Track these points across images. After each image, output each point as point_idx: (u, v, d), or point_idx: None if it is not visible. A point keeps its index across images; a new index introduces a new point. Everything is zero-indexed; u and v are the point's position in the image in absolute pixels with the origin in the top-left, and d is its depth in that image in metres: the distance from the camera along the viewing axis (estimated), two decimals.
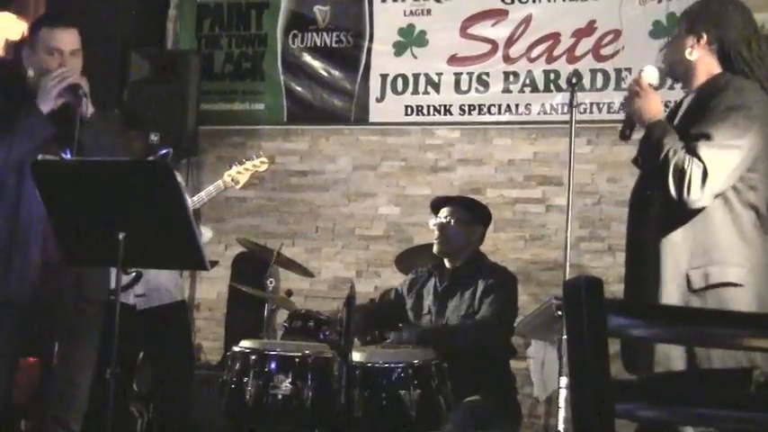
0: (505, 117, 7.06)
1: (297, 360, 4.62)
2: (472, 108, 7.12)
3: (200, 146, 7.57)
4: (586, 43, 6.84)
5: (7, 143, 3.80)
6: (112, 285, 4.85)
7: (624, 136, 3.41)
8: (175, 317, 5.23)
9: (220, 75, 7.72)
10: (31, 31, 4.08)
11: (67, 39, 3.94)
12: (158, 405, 5.40)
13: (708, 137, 3.17)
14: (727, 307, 3.10)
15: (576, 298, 1.77)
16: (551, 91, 6.92)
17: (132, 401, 5.71)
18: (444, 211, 5.08)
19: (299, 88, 7.52)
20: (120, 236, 3.52)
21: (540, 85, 6.98)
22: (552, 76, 6.94)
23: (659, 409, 1.84)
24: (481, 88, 7.10)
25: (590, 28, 6.83)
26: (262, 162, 5.25)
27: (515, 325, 5.03)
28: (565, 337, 3.18)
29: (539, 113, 6.93)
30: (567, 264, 3.39)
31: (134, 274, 4.82)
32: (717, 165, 3.15)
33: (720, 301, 3.14)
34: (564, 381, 3.28)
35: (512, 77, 7.04)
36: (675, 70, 3.46)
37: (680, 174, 3.14)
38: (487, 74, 7.09)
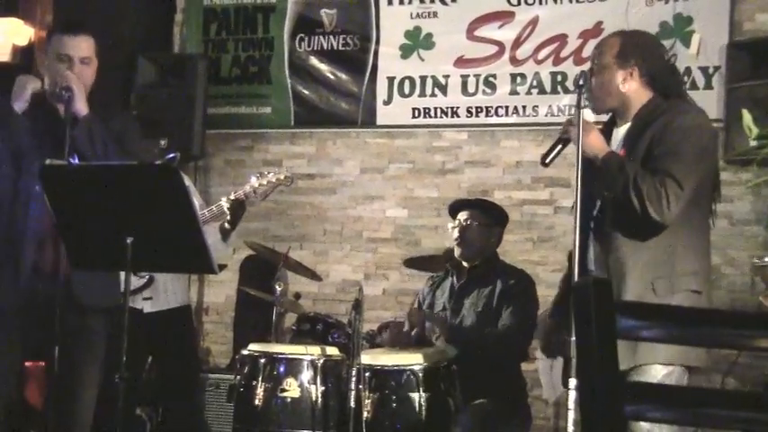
0: (513, 119, 7.05)
1: (306, 363, 4.63)
2: (479, 110, 7.11)
3: (207, 150, 7.58)
4: (593, 44, 6.78)
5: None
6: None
7: (544, 163, 3.63)
8: (181, 320, 5.24)
9: (227, 78, 7.73)
10: (47, 38, 4.10)
11: (78, 46, 3.93)
12: (166, 409, 5.40)
13: (674, 153, 3.44)
14: None
15: (585, 299, 1.76)
16: (558, 93, 6.91)
17: (141, 405, 5.72)
18: (464, 215, 5.12)
19: (305, 91, 7.52)
20: (128, 240, 3.52)
21: (548, 87, 6.97)
22: (559, 77, 6.92)
23: (669, 411, 1.84)
24: (488, 90, 7.09)
25: (597, 29, 6.82)
26: (286, 177, 5.15)
27: None
28: (573, 338, 3.17)
29: (546, 115, 6.92)
30: (576, 265, 3.38)
31: (146, 278, 4.82)
32: (688, 179, 3.42)
33: (685, 304, 3.39)
34: (573, 382, 3.27)
35: (519, 79, 7.03)
36: (607, 103, 3.70)
37: (656, 194, 3.39)
38: (494, 76, 7.08)
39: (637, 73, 3.64)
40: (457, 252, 5.11)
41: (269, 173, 5.08)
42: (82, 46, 3.94)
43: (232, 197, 4.88)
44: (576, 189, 3.42)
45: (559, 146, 3.64)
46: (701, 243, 3.59)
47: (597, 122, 3.78)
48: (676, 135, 3.48)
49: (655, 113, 3.59)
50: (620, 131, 3.70)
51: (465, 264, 5.14)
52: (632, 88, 3.64)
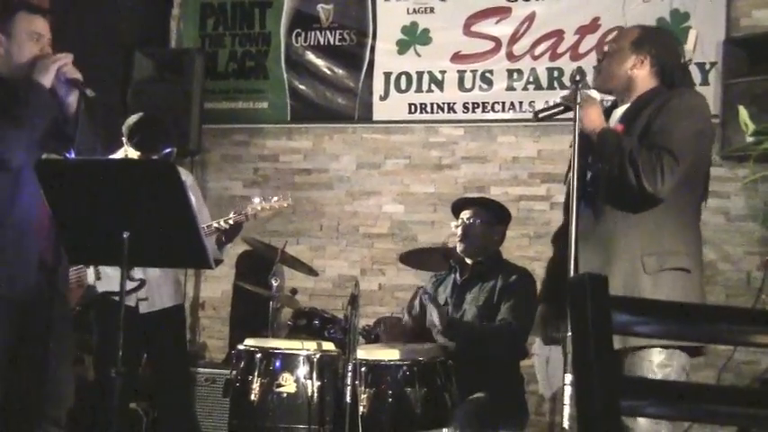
0: (509, 115, 7.05)
1: (302, 358, 4.63)
2: (476, 106, 7.11)
3: (203, 145, 7.57)
4: (590, 40, 6.83)
5: (27, 122, 3.76)
6: (90, 279, 4.90)
7: (537, 116, 3.75)
8: (175, 319, 5.24)
9: (224, 73, 7.72)
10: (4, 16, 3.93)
11: (45, 26, 3.91)
12: (161, 405, 5.41)
13: (670, 130, 3.50)
14: (679, 290, 3.44)
15: (581, 294, 1.77)
16: (555, 88, 6.91)
17: (137, 400, 5.72)
18: (467, 213, 5.15)
19: (302, 87, 7.52)
20: (125, 235, 3.52)
21: (544, 83, 6.97)
22: (556, 73, 6.93)
23: (666, 406, 1.84)
24: (485, 86, 7.09)
25: (594, 25, 6.82)
26: (288, 206, 5.20)
27: None
28: (569, 333, 3.17)
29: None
30: (572, 261, 3.38)
31: (138, 282, 4.83)
32: (683, 153, 3.47)
33: (673, 282, 3.46)
34: (569, 378, 3.27)
35: (515, 75, 7.03)
36: (613, 83, 3.77)
37: (651, 166, 3.44)
38: (491, 71, 7.08)
39: (648, 62, 3.69)
40: (459, 249, 5.14)
41: (273, 198, 5.11)
42: (47, 27, 3.92)
43: (231, 221, 4.92)
44: (573, 185, 3.41)
45: (559, 108, 3.67)
46: (691, 225, 3.62)
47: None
48: (675, 113, 3.54)
49: (655, 96, 3.65)
50: (619, 111, 3.75)
51: (468, 260, 5.16)
52: (640, 74, 3.69)
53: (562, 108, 3.65)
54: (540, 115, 3.72)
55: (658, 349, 3.45)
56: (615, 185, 3.54)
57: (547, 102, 6.78)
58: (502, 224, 5.26)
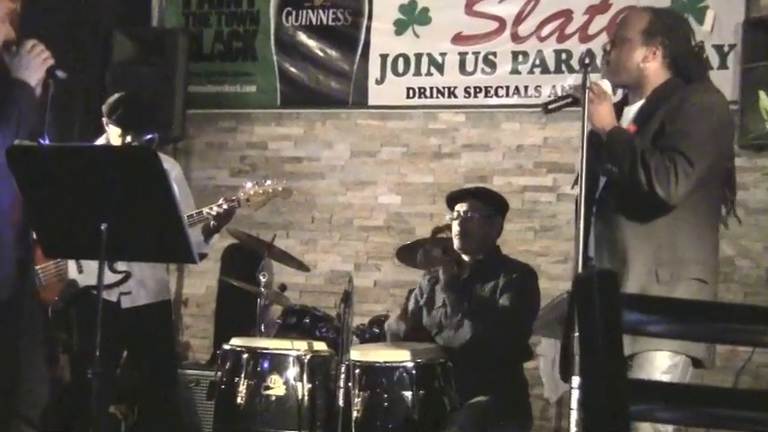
0: (514, 100, 7.04)
1: (291, 359, 4.64)
2: (478, 90, 7.11)
3: (187, 131, 7.57)
4: (600, 21, 6.82)
5: (14, 122, 3.74)
6: (72, 273, 4.89)
7: (546, 109, 3.71)
8: (160, 316, 5.23)
9: (209, 55, 7.71)
10: None
11: (12, 5, 3.88)
12: (143, 407, 5.41)
13: (686, 132, 3.50)
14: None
15: (589, 292, 1.76)
16: (563, 72, 6.91)
17: (116, 403, 5.72)
18: (463, 206, 5.11)
19: (293, 69, 7.51)
20: (103, 227, 3.51)
21: (551, 66, 6.96)
22: (564, 56, 6.92)
23: (679, 411, 1.84)
24: (488, 69, 7.09)
25: (604, 5, 6.82)
26: (285, 189, 5.12)
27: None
28: (577, 334, 3.18)
29: (549, 96, 6.91)
30: (580, 256, 3.38)
31: (123, 274, 4.82)
32: (699, 157, 3.47)
33: (688, 293, 3.45)
34: (576, 381, 3.28)
35: (520, 57, 7.02)
36: (623, 78, 3.76)
37: (665, 170, 3.44)
38: (494, 54, 7.07)
39: (660, 53, 3.68)
40: (457, 245, 5.11)
41: (266, 181, 5.06)
42: (15, 4, 3.89)
43: (224, 206, 4.86)
44: (581, 171, 3.41)
45: (567, 100, 3.65)
46: (708, 233, 3.62)
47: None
48: (690, 114, 3.53)
49: (670, 93, 3.63)
50: (632, 109, 3.74)
51: (466, 258, 5.13)
52: (652, 68, 3.69)
53: (570, 100, 3.63)
54: (550, 107, 3.70)
55: (667, 353, 3.46)
56: (626, 192, 3.54)
57: (554, 90, 6.78)
58: (500, 215, 5.23)
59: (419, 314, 5.18)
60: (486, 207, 5.15)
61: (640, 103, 3.72)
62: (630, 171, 3.48)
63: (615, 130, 3.56)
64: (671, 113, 3.56)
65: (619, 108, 3.76)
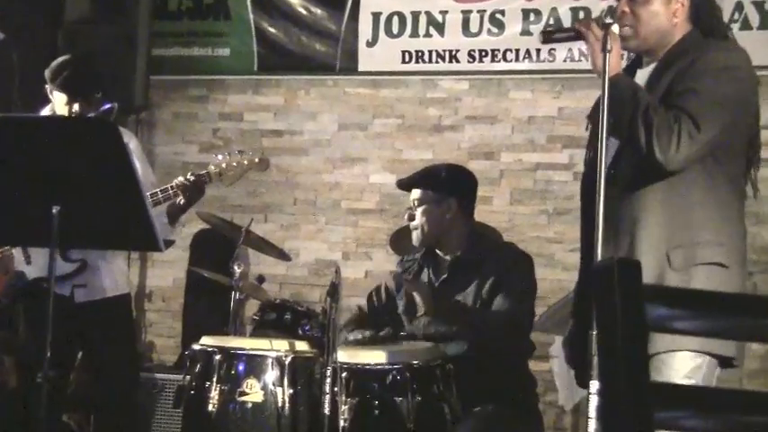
0: (524, 65, 7.05)
1: (270, 361, 4.64)
2: (484, 54, 7.11)
3: (151, 100, 7.56)
4: None
5: None
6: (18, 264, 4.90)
7: (546, 37, 3.74)
8: (119, 311, 5.24)
9: (176, 13, 7.71)
10: None
11: None
12: (99, 414, 5.42)
13: (696, 92, 3.48)
14: (715, 289, 3.36)
15: (609, 284, 1.77)
16: None
17: (69, 411, 5.74)
18: (415, 195, 5.04)
19: (272, 30, 7.51)
20: (54, 210, 3.52)
21: (567, 25, 6.95)
22: (582, 14, 6.92)
23: (710, 418, 1.85)
24: (495, 30, 7.09)
25: None
26: (261, 161, 5.10)
27: (535, 319, 5.05)
28: (595, 332, 3.19)
29: (565, 61, 6.93)
30: (599, 243, 3.39)
31: (77, 264, 4.82)
32: (708, 120, 3.45)
33: (706, 280, 3.45)
34: (595, 385, 3.29)
35: (532, 16, 7.03)
36: (649, 41, 3.70)
37: (668, 129, 3.42)
38: (502, 12, 7.08)
39: (686, 7, 3.66)
40: (415, 241, 5.06)
41: (239, 152, 5.05)
42: None
43: (191, 178, 4.84)
44: (601, 151, 3.41)
45: (570, 33, 3.65)
46: (728, 210, 3.59)
47: None
48: (703, 73, 3.53)
49: (688, 47, 3.63)
50: (646, 72, 3.73)
51: (442, 254, 5.04)
52: (678, 21, 3.67)
53: (573, 34, 3.61)
54: (553, 36, 3.74)
55: (688, 354, 3.46)
56: (635, 166, 3.54)
57: (570, 53, 6.79)
58: (452, 195, 5.06)
59: (390, 304, 5.14)
60: (430, 193, 5.01)
61: (654, 65, 3.71)
62: (630, 125, 3.47)
63: (619, 77, 3.53)
64: (682, 71, 3.56)
65: (632, 70, 3.76)
